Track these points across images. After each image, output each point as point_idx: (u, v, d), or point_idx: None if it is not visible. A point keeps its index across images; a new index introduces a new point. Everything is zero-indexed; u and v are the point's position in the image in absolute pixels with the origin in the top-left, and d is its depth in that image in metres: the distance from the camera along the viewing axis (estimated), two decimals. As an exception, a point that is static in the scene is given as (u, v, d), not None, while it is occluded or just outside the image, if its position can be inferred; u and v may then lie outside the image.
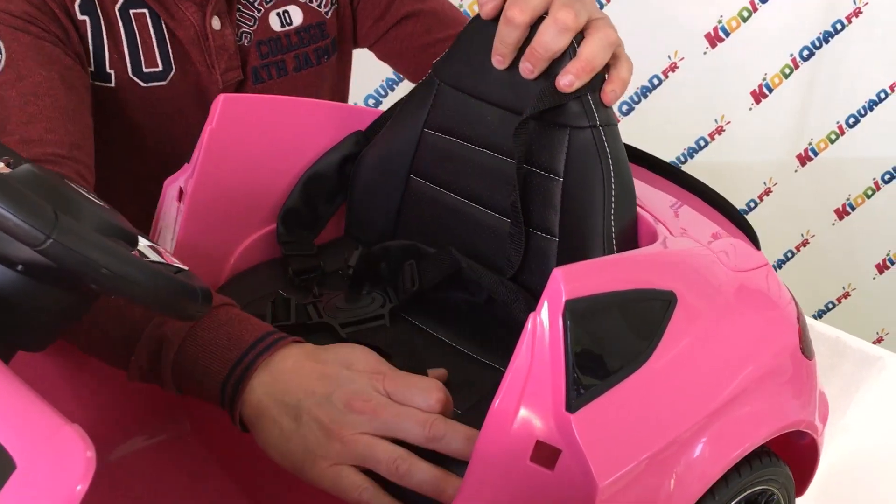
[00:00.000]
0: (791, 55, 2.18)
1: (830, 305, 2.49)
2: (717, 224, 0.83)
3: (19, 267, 0.57)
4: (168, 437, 0.90)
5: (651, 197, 0.83)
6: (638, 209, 0.78)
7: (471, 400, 0.72)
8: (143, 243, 0.64)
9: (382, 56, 1.20)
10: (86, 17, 0.93)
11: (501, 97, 0.82)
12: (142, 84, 0.98)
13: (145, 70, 0.98)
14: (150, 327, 0.72)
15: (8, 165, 0.62)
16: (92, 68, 0.96)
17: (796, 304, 0.81)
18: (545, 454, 0.60)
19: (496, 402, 0.61)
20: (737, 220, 0.83)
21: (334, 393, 0.64)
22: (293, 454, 0.65)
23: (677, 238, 0.74)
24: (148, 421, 0.90)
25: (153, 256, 0.63)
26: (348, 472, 0.64)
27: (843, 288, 2.46)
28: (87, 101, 0.94)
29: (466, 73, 0.85)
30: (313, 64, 1.10)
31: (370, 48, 1.20)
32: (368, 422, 0.64)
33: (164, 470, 0.87)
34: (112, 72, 0.97)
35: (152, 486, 0.85)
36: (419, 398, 0.66)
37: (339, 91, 1.20)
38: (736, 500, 0.75)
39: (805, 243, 2.40)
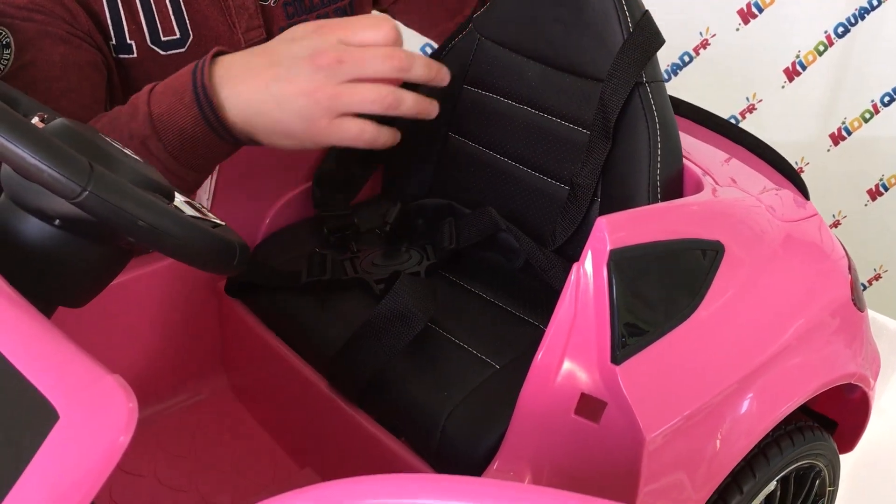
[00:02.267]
0: (826, 32, 2.12)
1: (862, 287, 2.45)
2: (766, 175, 0.80)
3: (56, 221, 0.56)
4: (207, 395, 0.90)
5: (699, 150, 0.81)
6: (685, 161, 0.76)
7: (510, 355, 0.71)
8: (179, 199, 0.63)
9: (397, 14, 1.20)
10: None
11: (543, 52, 0.80)
12: (161, 53, 0.97)
13: (163, 39, 0.97)
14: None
15: (42, 121, 0.62)
16: (114, 41, 0.95)
17: (847, 254, 0.78)
18: (590, 407, 0.59)
19: (539, 355, 0.60)
20: (786, 171, 0.81)
21: (294, 64, 0.68)
22: (296, 132, 0.69)
23: (725, 188, 0.72)
24: (188, 379, 0.90)
25: (190, 212, 0.62)
26: (347, 121, 0.69)
27: (875, 270, 2.40)
28: (94, 77, 0.93)
29: (508, 27, 0.83)
30: None
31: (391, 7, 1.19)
32: (337, 73, 0.67)
33: (204, 426, 0.87)
34: (132, 42, 0.96)
35: (193, 441, 0.86)
36: (371, 34, 0.69)
37: None
38: (782, 474, 0.74)
39: (836, 224, 2.34)
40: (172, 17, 0.96)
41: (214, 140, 0.72)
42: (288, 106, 0.68)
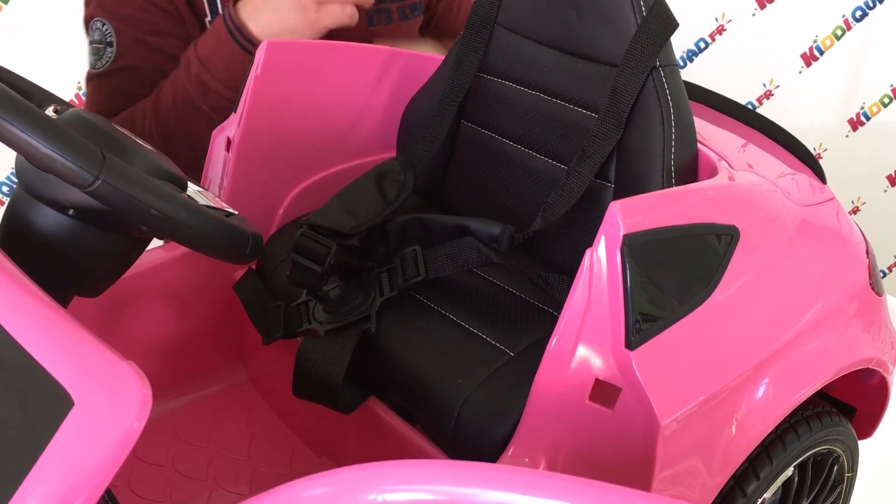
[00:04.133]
0: (843, 16, 2.10)
1: (882, 273, 2.43)
2: (782, 160, 0.80)
3: (71, 211, 0.57)
4: (226, 386, 0.91)
5: (715, 135, 0.80)
6: (699, 146, 0.75)
7: (524, 342, 0.70)
8: (192, 188, 0.63)
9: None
10: None
11: (556, 39, 0.80)
12: None
13: None
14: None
15: (56, 112, 0.62)
16: (209, 18, 1.01)
17: (865, 238, 0.77)
18: (604, 393, 0.59)
19: (553, 341, 0.60)
20: (803, 155, 0.80)
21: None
22: (297, 28, 0.95)
23: (740, 172, 0.72)
24: (207, 371, 0.91)
25: (203, 201, 0.62)
26: (329, 6, 0.94)
27: (895, 256, 2.38)
28: None
29: (521, 14, 0.82)
30: (408, 17, 1.15)
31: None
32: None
33: (221, 415, 0.88)
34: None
35: (211, 431, 0.86)
36: None
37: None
38: (799, 460, 0.74)
39: (856, 210, 2.32)
40: None
41: (245, 56, 0.94)
42: (287, 18, 0.94)
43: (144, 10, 0.98)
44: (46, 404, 0.42)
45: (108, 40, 0.99)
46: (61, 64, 1.40)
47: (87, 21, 1.01)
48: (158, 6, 0.98)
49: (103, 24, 0.99)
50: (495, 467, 0.42)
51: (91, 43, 1.01)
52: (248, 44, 0.94)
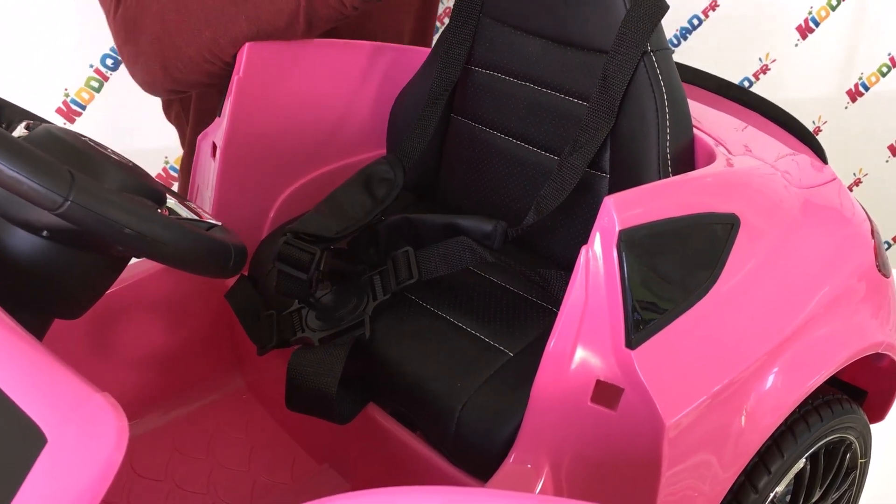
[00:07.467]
0: (838, -15, 2.08)
1: (887, 245, 2.41)
2: (781, 141, 0.77)
3: (44, 233, 0.55)
4: (224, 396, 0.89)
5: (710, 118, 0.78)
6: (696, 131, 0.73)
7: (524, 341, 0.69)
8: (172, 201, 0.62)
9: None
10: None
11: (543, 27, 0.78)
12: None
13: None
14: None
15: (27, 128, 0.60)
16: None
17: (869, 217, 0.75)
18: (606, 394, 0.57)
19: (551, 343, 0.58)
20: (801, 134, 0.78)
21: None
22: None
23: (738, 157, 0.70)
24: (204, 381, 0.89)
25: (184, 213, 0.60)
26: None
27: (899, 227, 2.37)
28: None
29: (507, 2, 0.80)
30: None
31: None
32: None
33: (220, 426, 0.86)
34: None
35: (210, 442, 0.85)
36: None
37: (426, 18, 1.14)
38: (811, 451, 0.72)
39: (858, 182, 2.30)
40: None
41: None
42: None
43: None
44: (18, 442, 0.40)
45: None
46: (48, 71, 1.38)
47: None
48: None
49: None
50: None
51: None
52: None
